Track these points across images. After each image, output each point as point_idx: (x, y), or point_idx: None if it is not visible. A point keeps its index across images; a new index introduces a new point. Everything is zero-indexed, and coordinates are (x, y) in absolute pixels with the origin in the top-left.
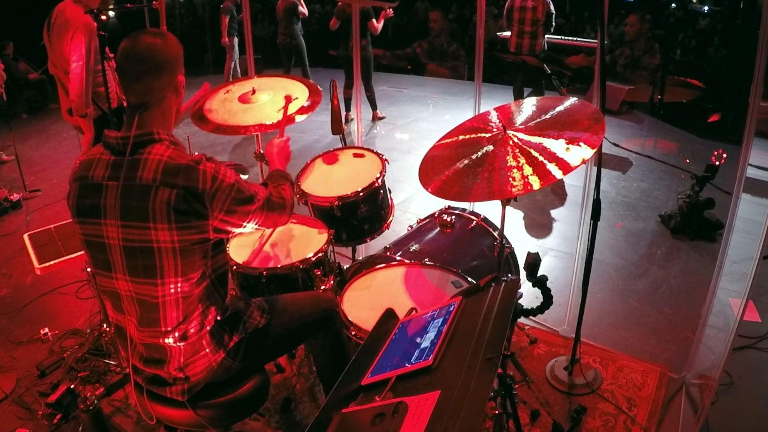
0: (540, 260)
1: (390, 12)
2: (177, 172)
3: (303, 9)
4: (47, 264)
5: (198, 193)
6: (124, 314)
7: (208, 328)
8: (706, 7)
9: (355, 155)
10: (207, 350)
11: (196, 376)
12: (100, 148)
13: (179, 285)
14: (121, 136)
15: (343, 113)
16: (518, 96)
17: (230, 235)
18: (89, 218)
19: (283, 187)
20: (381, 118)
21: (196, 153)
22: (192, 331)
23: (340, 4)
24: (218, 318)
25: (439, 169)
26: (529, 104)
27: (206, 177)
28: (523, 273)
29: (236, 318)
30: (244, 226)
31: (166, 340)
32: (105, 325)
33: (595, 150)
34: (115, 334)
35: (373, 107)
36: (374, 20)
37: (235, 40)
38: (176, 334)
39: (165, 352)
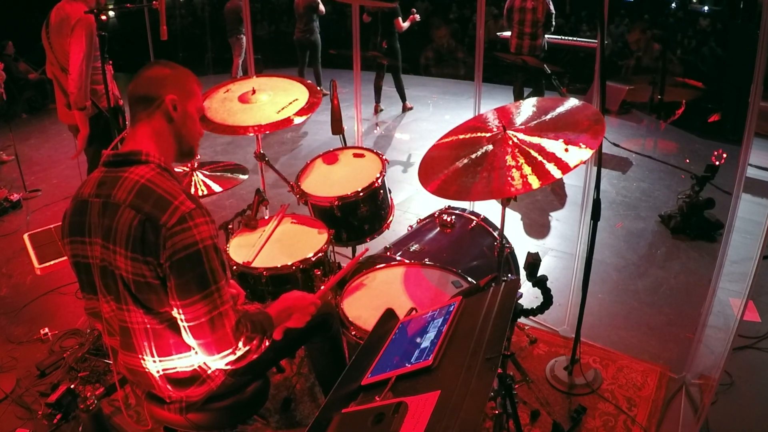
0: (540, 260)
1: (417, 17)
2: (149, 197)
3: (322, 7)
4: (47, 264)
5: (158, 225)
6: (114, 337)
7: (204, 364)
8: (706, 7)
9: (355, 155)
10: (205, 378)
11: (194, 397)
12: (100, 168)
13: (145, 318)
14: (112, 153)
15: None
16: (518, 96)
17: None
18: (77, 236)
19: (255, 333)
20: (409, 109)
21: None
22: (180, 370)
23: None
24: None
25: (439, 169)
26: (529, 105)
27: (174, 213)
28: (523, 273)
29: None
30: (172, 308)
31: (147, 367)
32: None
33: (593, 151)
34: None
35: (403, 99)
36: (400, 19)
37: (243, 39)
38: (160, 368)
39: (149, 380)
